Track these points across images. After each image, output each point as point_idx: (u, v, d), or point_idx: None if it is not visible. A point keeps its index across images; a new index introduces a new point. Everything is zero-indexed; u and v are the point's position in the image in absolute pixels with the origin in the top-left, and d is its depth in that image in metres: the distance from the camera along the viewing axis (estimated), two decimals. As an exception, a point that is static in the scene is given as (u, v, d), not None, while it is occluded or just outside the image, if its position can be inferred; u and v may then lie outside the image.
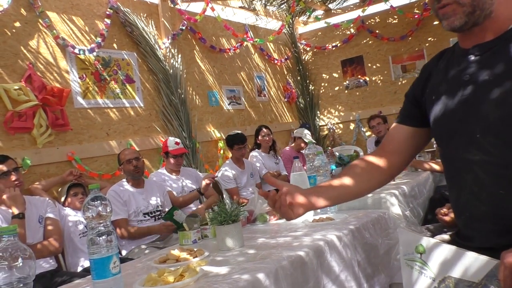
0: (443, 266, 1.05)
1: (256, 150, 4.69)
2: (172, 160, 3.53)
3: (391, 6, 5.64)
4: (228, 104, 5.30)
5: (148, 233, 2.96)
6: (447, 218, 2.24)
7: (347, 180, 1.30)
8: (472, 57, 1.12)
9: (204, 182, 3.40)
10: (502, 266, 0.92)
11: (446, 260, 1.04)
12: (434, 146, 4.63)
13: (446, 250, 1.05)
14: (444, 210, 2.28)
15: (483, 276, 0.96)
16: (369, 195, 2.51)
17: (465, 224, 1.18)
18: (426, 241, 1.08)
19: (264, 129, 4.70)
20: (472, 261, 0.99)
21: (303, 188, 1.27)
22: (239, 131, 4.37)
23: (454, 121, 1.13)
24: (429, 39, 5.79)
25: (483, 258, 0.97)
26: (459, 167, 1.14)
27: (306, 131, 4.84)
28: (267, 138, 4.66)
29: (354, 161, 1.43)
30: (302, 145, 4.83)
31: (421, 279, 1.10)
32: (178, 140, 3.61)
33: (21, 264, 1.13)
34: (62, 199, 3.03)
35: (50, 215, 2.65)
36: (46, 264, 2.56)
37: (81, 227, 2.88)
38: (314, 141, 4.90)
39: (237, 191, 4.12)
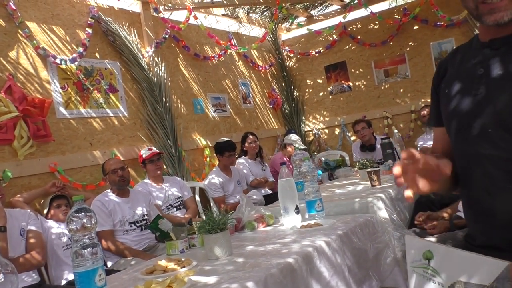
0: (452, 271, 1.04)
1: (243, 157, 4.68)
2: (150, 166, 3.54)
3: (371, 12, 5.72)
4: (214, 112, 5.29)
5: (137, 256, 2.86)
6: (425, 226, 2.24)
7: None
8: (488, 51, 1.11)
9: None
10: None
11: (455, 265, 1.03)
12: (418, 149, 4.70)
13: (455, 255, 1.04)
14: (420, 219, 2.27)
15: (494, 279, 0.95)
16: (356, 199, 2.52)
17: (473, 218, 1.17)
18: (434, 246, 1.08)
19: (250, 136, 4.69)
20: (481, 264, 0.97)
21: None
22: (228, 138, 4.37)
23: (466, 114, 1.13)
24: (410, 43, 5.88)
25: (492, 260, 0.96)
26: (470, 161, 1.14)
27: (297, 138, 4.87)
28: (254, 145, 4.65)
29: None
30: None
31: (430, 286, 1.10)
32: (150, 147, 3.74)
33: (2, 279, 1.09)
34: (45, 211, 2.96)
35: (32, 228, 2.58)
36: (29, 278, 2.49)
37: (64, 239, 2.82)
38: (304, 146, 4.94)
39: (224, 199, 4.10)
